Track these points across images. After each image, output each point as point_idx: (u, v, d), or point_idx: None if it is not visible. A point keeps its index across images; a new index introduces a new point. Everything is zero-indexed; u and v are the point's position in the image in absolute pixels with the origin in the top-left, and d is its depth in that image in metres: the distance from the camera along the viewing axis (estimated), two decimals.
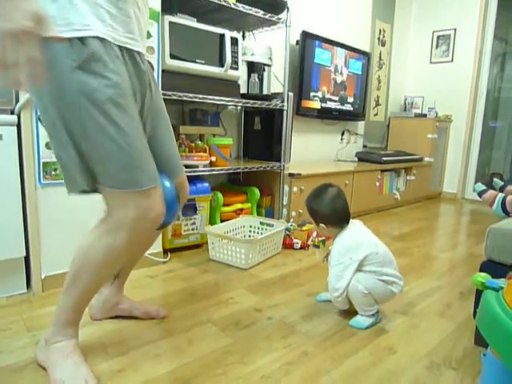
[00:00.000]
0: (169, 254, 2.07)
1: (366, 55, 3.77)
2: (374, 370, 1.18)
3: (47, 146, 1.53)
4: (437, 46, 4.39)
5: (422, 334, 1.41)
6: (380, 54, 4.20)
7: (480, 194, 1.98)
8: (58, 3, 0.90)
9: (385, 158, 3.56)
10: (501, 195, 2.07)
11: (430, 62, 4.46)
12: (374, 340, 1.35)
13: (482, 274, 0.90)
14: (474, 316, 1.31)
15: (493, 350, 0.85)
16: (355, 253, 1.41)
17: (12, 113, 1.47)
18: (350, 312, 1.51)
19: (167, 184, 1.18)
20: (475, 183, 2.36)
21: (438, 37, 4.36)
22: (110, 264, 1.09)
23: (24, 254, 1.57)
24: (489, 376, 0.92)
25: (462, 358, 1.26)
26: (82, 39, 0.91)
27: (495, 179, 2.17)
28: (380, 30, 4.13)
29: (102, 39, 0.94)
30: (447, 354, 1.29)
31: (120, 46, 1.00)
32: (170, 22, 1.92)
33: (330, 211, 1.47)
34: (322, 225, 1.50)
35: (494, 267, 1.27)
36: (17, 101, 1.46)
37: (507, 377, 0.84)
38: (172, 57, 1.94)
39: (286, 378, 1.13)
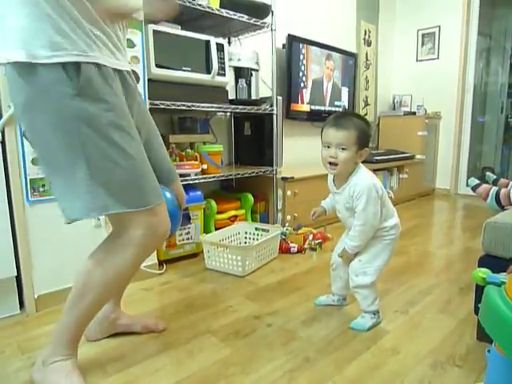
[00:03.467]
0: (164, 266, 2.04)
1: (352, 56, 3.78)
2: (377, 373, 1.16)
3: (33, 162, 1.50)
4: (422, 44, 4.42)
5: (424, 332, 1.39)
6: (366, 54, 4.21)
7: (474, 188, 1.98)
8: (49, 29, 0.90)
9: (377, 158, 3.55)
10: (494, 189, 2.06)
11: (417, 60, 4.49)
12: (377, 342, 1.33)
13: (483, 270, 0.88)
14: (475, 311, 1.30)
15: (497, 345, 0.84)
16: (380, 185, 1.36)
17: None
18: (350, 314, 1.49)
19: (168, 195, 1.21)
20: (468, 178, 2.36)
21: (423, 35, 4.39)
22: (118, 281, 1.10)
23: (15, 273, 1.53)
24: (494, 372, 0.90)
25: (466, 355, 1.25)
26: (77, 65, 0.92)
27: (488, 173, 2.17)
28: (365, 31, 4.15)
29: (96, 64, 0.95)
30: (450, 351, 1.27)
31: (113, 69, 1.01)
32: (154, 31, 1.91)
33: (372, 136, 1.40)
34: (367, 149, 1.35)
35: (492, 261, 1.25)
36: (0, 117, 1.43)
37: None
38: (158, 66, 1.93)
39: None
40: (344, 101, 3.72)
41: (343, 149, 1.31)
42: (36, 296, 1.58)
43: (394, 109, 4.56)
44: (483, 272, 0.88)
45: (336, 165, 1.33)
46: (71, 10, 0.92)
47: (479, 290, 1.26)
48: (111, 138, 0.96)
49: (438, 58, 4.32)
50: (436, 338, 1.35)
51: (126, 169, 0.98)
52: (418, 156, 4.08)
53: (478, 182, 1.96)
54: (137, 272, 1.34)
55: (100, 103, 0.95)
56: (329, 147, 1.34)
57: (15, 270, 1.52)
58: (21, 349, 1.33)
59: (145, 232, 1.03)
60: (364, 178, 1.35)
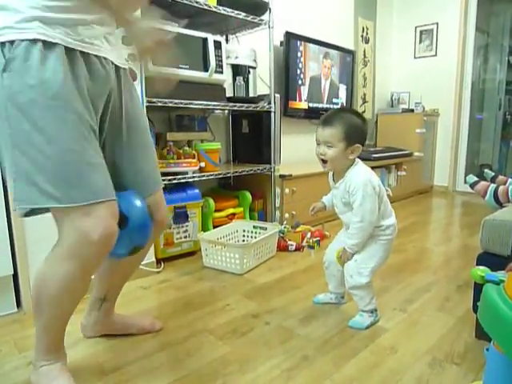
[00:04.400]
0: (162, 264, 2.03)
1: (350, 53, 3.77)
2: (376, 371, 1.16)
3: None
4: (420, 41, 4.41)
5: (422, 330, 1.39)
6: (364, 51, 4.20)
7: (472, 185, 1.97)
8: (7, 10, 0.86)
9: (375, 155, 3.55)
10: (493, 186, 2.06)
11: (415, 57, 4.48)
12: (375, 340, 1.33)
13: (481, 268, 0.88)
14: (474, 309, 1.30)
15: (496, 344, 0.84)
16: (378, 182, 1.35)
17: None
18: (348, 312, 1.49)
19: (136, 202, 1.06)
20: (466, 175, 2.36)
21: (421, 32, 4.38)
22: (70, 293, 0.98)
23: (12, 271, 1.52)
24: (493, 370, 0.90)
25: (464, 353, 1.25)
26: (12, 42, 0.85)
27: (486, 170, 2.17)
28: (363, 28, 4.14)
29: (33, 40, 0.86)
30: (449, 349, 1.27)
31: (68, 48, 0.91)
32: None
33: (366, 133, 1.37)
34: (358, 145, 1.32)
35: (490, 259, 1.25)
36: None
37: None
38: (155, 63, 1.91)
39: None
40: (342, 98, 3.72)
41: (329, 146, 1.33)
42: None
43: (392, 106, 4.56)
44: (482, 270, 0.88)
45: (326, 162, 1.35)
46: None
47: (478, 288, 1.26)
48: (34, 119, 0.86)
49: (435, 55, 4.32)
50: (434, 335, 1.35)
51: (51, 157, 0.87)
52: (416, 153, 4.08)
53: (476, 179, 1.96)
54: (127, 279, 1.32)
55: (26, 79, 0.85)
56: (319, 144, 1.36)
57: (12, 268, 1.51)
58: (18, 347, 1.32)
59: (76, 236, 0.90)
60: (359, 174, 1.35)
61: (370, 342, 1.32)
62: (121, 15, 1.03)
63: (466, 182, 2.00)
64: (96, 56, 0.98)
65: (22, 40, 0.86)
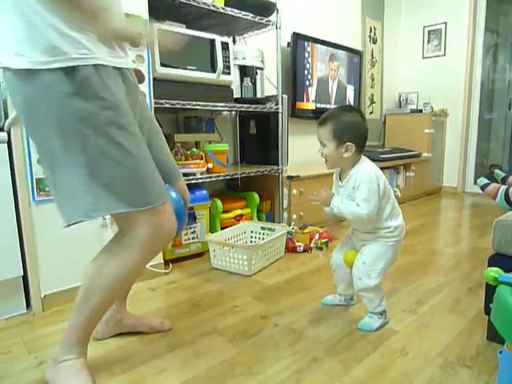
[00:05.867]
0: (170, 265, 2.03)
1: (358, 54, 3.75)
2: (386, 374, 1.15)
3: (39, 161, 1.49)
4: (428, 41, 4.38)
5: (433, 332, 1.38)
6: (372, 51, 4.18)
7: (483, 187, 1.95)
8: (48, 32, 0.90)
9: (383, 156, 3.53)
10: (504, 187, 2.04)
11: (423, 57, 4.45)
12: (385, 342, 1.31)
13: (494, 269, 0.86)
14: (486, 311, 1.29)
15: (510, 346, 0.82)
16: (383, 179, 1.34)
17: (1, 130, 1.44)
18: (357, 314, 1.48)
19: (173, 194, 1.21)
20: (478, 178, 2.33)
21: (430, 31, 4.35)
22: (124, 282, 1.10)
23: (21, 273, 1.53)
24: (506, 373, 0.89)
25: (476, 356, 1.23)
26: (75, 67, 0.92)
27: (496, 170, 2.14)
28: (371, 28, 4.12)
29: (94, 64, 0.94)
30: (460, 351, 1.25)
31: (113, 67, 1.00)
32: (159, 30, 1.90)
33: (365, 130, 1.35)
34: (349, 144, 1.30)
35: (502, 260, 1.23)
36: (5, 117, 1.43)
37: None
38: (162, 65, 1.92)
39: None
40: (349, 99, 3.70)
41: (324, 145, 1.36)
42: (42, 296, 1.58)
43: (400, 106, 4.53)
44: (495, 271, 0.86)
45: (326, 161, 1.38)
46: (68, 10, 0.91)
47: (490, 290, 1.24)
48: (111, 137, 0.95)
49: (444, 54, 4.29)
50: (445, 338, 1.33)
51: (128, 167, 0.97)
52: (424, 154, 4.05)
53: (487, 181, 1.94)
54: (142, 272, 1.36)
55: (98, 101, 0.94)
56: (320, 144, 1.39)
57: (22, 269, 1.52)
58: (28, 348, 1.33)
59: (150, 232, 1.02)
60: (364, 169, 1.34)
61: (379, 344, 1.30)
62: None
63: (477, 184, 1.97)
64: (126, 69, 1.07)
65: (85, 66, 0.92)
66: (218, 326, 1.44)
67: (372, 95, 4.26)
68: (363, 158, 1.38)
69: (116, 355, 1.27)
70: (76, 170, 0.95)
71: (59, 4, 0.90)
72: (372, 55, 4.19)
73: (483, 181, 1.96)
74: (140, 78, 1.77)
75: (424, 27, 4.38)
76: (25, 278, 1.56)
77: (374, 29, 4.18)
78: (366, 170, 1.33)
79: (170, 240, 1.11)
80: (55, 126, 0.93)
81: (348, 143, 1.31)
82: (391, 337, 1.34)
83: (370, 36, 4.13)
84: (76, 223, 0.99)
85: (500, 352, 0.88)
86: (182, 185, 1.30)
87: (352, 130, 1.33)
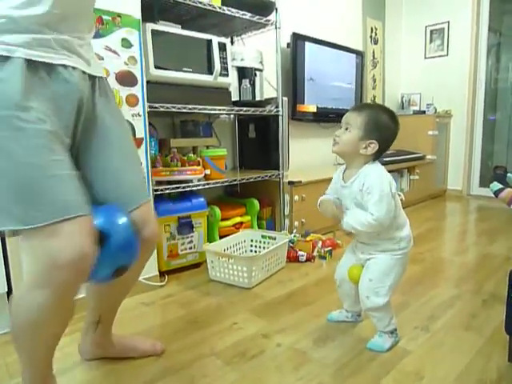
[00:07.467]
0: (166, 277, 1.93)
1: (359, 54, 3.66)
2: None
3: None
4: (431, 41, 4.29)
5: (449, 352, 1.27)
6: (373, 52, 4.09)
7: (496, 193, 1.85)
8: None
9: (386, 159, 3.42)
10: None
11: (425, 58, 4.36)
12: (397, 364, 1.21)
13: None
14: (507, 330, 1.18)
15: None
16: (394, 185, 1.24)
17: None
18: (365, 332, 1.37)
19: (117, 216, 0.95)
20: (483, 180, 2.23)
21: (432, 31, 4.26)
22: (46, 324, 0.87)
23: (6, 289, 1.43)
24: None
25: (498, 380, 1.12)
26: None
27: (509, 174, 2.04)
28: (372, 28, 4.03)
29: None
30: (480, 375, 1.15)
31: (26, 59, 0.83)
32: (153, 30, 1.80)
33: (393, 139, 1.26)
34: (374, 142, 1.21)
35: None
36: None
37: None
38: (157, 67, 1.82)
39: None
40: (351, 100, 3.60)
41: (347, 129, 1.25)
42: None
43: (403, 108, 4.43)
44: None
45: (337, 144, 1.26)
46: None
47: (511, 306, 1.15)
48: None
49: (447, 54, 4.20)
50: (462, 359, 1.23)
51: (7, 172, 0.78)
52: (428, 156, 3.95)
53: (500, 186, 1.84)
54: (135, 285, 1.23)
55: None
56: (341, 128, 1.27)
57: (6, 285, 1.43)
58: (9, 372, 1.22)
59: (44, 261, 0.79)
60: (377, 171, 1.23)
61: (391, 366, 1.20)
62: None
63: (490, 189, 1.87)
64: (63, 65, 0.91)
65: None
66: (216, 346, 1.34)
67: (374, 97, 4.17)
68: (376, 161, 1.27)
69: (105, 380, 1.17)
70: None
71: None
72: (373, 56, 4.10)
73: (496, 186, 1.86)
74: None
75: (426, 27, 4.29)
76: (9, 294, 1.46)
77: (375, 29, 4.09)
78: (379, 172, 1.23)
79: (81, 272, 0.81)
80: None
81: (373, 141, 1.21)
82: (404, 358, 1.24)
83: (371, 36, 4.04)
84: None
85: None
86: (145, 211, 1.03)
87: (384, 131, 1.23)
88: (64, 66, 0.91)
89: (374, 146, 1.22)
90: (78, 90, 0.94)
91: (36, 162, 0.80)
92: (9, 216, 0.78)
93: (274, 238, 2.14)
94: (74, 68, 0.93)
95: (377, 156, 1.25)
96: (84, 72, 0.96)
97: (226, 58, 2.10)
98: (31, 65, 0.85)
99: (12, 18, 0.82)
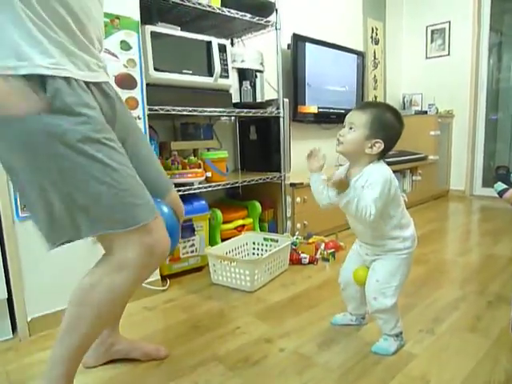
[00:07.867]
0: (168, 281, 1.91)
1: (360, 55, 3.65)
2: None
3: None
4: (432, 41, 4.27)
5: (455, 355, 1.25)
6: (374, 52, 4.08)
7: (501, 193, 1.82)
8: (16, 35, 0.80)
9: (388, 159, 3.39)
10: None
11: (426, 58, 4.34)
12: (403, 368, 1.19)
13: None
14: None
15: None
16: (395, 185, 1.22)
17: None
18: (370, 335, 1.35)
19: (165, 209, 1.09)
20: (486, 180, 2.21)
21: (433, 31, 4.24)
22: (114, 307, 0.99)
23: (6, 295, 1.42)
24: None
25: (506, 383, 1.10)
26: (44, 77, 0.82)
27: None
28: (372, 29, 4.01)
29: (66, 78, 0.85)
30: (487, 379, 1.13)
31: (86, 82, 0.91)
32: (152, 32, 1.79)
33: (397, 138, 1.24)
34: (379, 141, 1.18)
35: None
36: None
37: None
38: (156, 69, 1.81)
39: None
40: (353, 101, 3.59)
41: (351, 128, 1.22)
42: (29, 319, 1.46)
43: (404, 108, 4.41)
44: None
45: (342, 143, 1.23)
46: (44, 15, 0.82)
47: None
48: (89, 154, 0.85)
49: (448, 54, 4.18)
50: (469, 362, 1.21)
51: (110, 185, 0.87)
52: (430, 156, 3.93)
53: (504, 186, 1.81)
54: (138, 290, 1.24)
55: (72, 117, 0.84)
56: (344, 127, 1.24)
57: (6, 292, 1.41)
58: (10, 380, 1.21)
59: (141, 253, 0.91)
60: (381, 169, 1.20)
61: (397, 370, 1.18)
62: None
63: (494, 189, 1.84)
64: (104, 82, 1.00)
65: (54, 77, 0.83)
66: (219, 351, 1.32)
67: (375, 97, 4.15)
68: (380, 160, 1.25)
69: None
70: (49, 194, 0.85)
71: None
72: (374, 56, 4.09)
73: (501, 186, 1.84)
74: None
75: (427, 27, 4.28)
76: (10, 300, 1.44)
77: (376, 29, 4.08)
78: (383, 171, 1.21)
79: (164, 260, 1.00)
80: (22, 148, 0.83)
81: (379, 140, 1.19)
82: (410, 362, 1.22)
83: (371, 37, 4.02)
84: (60, 245, 0.89)
85: None
86: (174, 197, 1.19)
87: (390, 130, 1.21)
88: (105, 82, 1.01)
89: (379, 146, 1.20)
90: (114, 100, 1.03)
91: (133, 173, 0.93)
92: (111, 222, 0.88)
93: (277, 241, 2.12)
94: (105, 83, 1.01)
95: (381, 155, 1.23)
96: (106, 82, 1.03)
97: (226, 60, 2.09)
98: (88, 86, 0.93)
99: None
